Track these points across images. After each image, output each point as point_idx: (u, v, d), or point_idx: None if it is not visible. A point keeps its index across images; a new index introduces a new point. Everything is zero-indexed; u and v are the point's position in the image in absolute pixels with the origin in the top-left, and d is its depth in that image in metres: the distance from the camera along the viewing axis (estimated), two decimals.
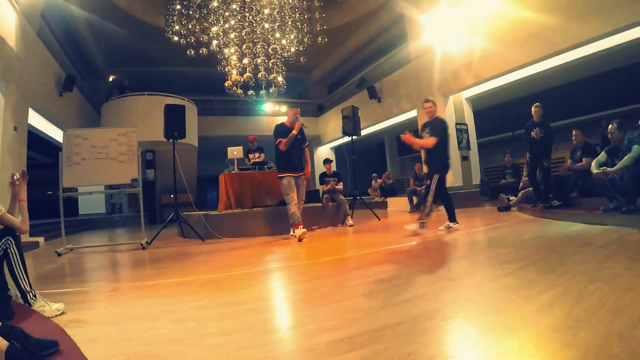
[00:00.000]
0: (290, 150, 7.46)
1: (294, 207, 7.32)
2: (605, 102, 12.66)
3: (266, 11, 11.83)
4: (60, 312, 2.88)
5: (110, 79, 18.25)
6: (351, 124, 10.57)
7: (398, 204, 14.46)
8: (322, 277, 3.85)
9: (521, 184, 10.36)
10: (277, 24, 12.40)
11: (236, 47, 12.51)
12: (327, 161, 10.56)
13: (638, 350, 1.74)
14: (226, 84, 13.25)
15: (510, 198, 10.17)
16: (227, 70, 13.06)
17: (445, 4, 13.06)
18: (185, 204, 9.00)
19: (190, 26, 12.06)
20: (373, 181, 17.45)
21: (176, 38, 12.16)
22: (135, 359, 2.01)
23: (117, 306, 3.16)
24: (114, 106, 15.55)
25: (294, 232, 7.32)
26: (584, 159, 7.76)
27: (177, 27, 12.04)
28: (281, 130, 7.56)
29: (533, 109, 8.38)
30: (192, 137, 15.63)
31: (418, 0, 14.79)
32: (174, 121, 8.25)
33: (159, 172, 16.89)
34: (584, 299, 2.54)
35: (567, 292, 2.71)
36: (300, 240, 6.97)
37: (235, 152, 9.64)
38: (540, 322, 2.23)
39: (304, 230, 7.17)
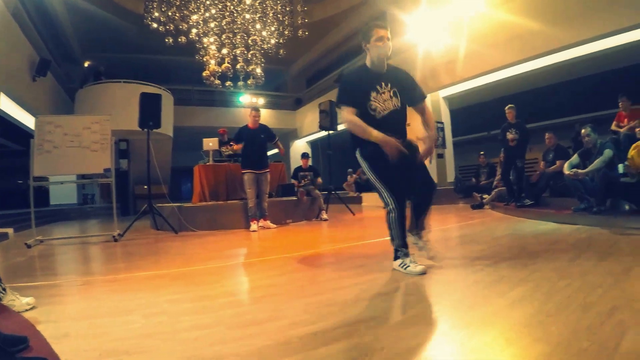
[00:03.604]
0: (252, 149, 7.91)
1: (252, 202, 7.88)
2: (579, 106, 12.91)
3: (248, 1, 11.74)
4: (31, 306, 2.80)
5: (86, 65, 17.91)
6: (328, 118, 10.56)
7: (373, 200, 14.48)
8: (296, 271, 3.85)
9: (495, 183, 10.51)
10: (258, 15, 12.31)
11: (216, 37, 12.42)
12: (304, 156, 10.55)
13: (606, 345, 1.78)
14: (204, 73, 13.17)
15: (484, 196, 10.30)
16: (205, 60, 12.97)
17: (427, 3, 13.11)
18: (159, 195, 8.92)
19: (170, 13, 11.90)
20: (348, 176, 17.47)
21: (155, 25, 11.99)
22: (108, 355, 1.97)
23: (88, 300, 3.10)
24: (88, 93, 15.23)
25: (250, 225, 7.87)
26: (557, 161, 7.92)
27: (156, 14, 11.87)
28: (240, 133, 8.13)
29: (506, 111, 8.52)
30: (167, 127, 15.43)
31: None
32: (150, 110, 8.09)
33: (132, 163, 16.57)
34: (554, 295, 2.60)
35: (538, 288, 2.77)
36: (254, 231, 7.62)
37: (210, 143, 9.57)
38: (511, 317, 2.27)
39: (256, 226, 7.82)
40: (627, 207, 6.34)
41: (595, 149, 6.38)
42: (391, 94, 3.59)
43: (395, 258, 3.56)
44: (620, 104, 7.98)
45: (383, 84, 3.58)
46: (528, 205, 8.06)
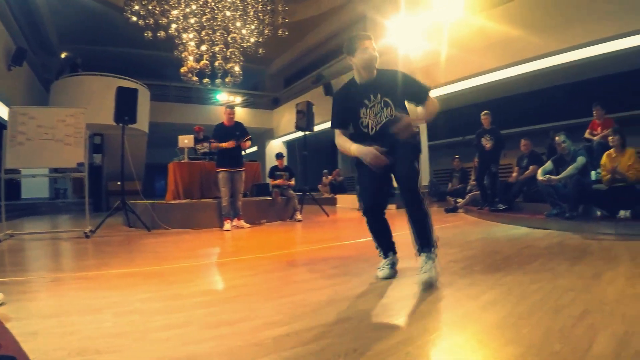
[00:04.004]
0: (227, 147, 7.84)
1: (225, 201, 7.85)
2: (554, 114, 13.08)
3: None
4: (0, 302, 2.75)
5: (63, 56, 17.57)
6: (305, 119, 10.56)
7: (347, 202, 14.54)
8: (269, 272, 3.86)
9: (469, 187, 10.64)
10: (238, 13, 12.25)
11: (195, 33, 12.32)
12: (279, 156, 10.52)
13: (578, 347, 1.82)
14: (182, 70, 13.05)
15: (458, 200, 10.41)
16: (183, 56, 12.84)
17: (407, 8, 13.18)
18: (132, 192, 8.78)
19: (150, 7, 11.73)
20: (324, 177, 17.52)
21: (134, 18, 11.80)
22: (77, 354, 1.93)
23: (58, 297, 3.04)
24: (64, 85, 14.84)
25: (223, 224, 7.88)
26: (530, 166, 8.05)
27: (136, 7, 11.68)
28: (218, 130, 8.05)
29: (482, 117, 8.63)
30: (143, 122, 15.19)
31: (379, 2, 14.92)
32: (126, 105, 7.99)
33: (106, 158, 16.26)
34: (527, 298, 2.65)
35: (510, 291, 2.82)
36: (226, 230, 7.64)
37: (186, 140, 9.51)
38: (484, 319, 2.31)
39: (229, 225, 7.81)
40: (598, 213, 6.48)
41: (569, 156, 6.51)
42: (382, 105, 3.36)
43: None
44: (594, 112, 8.18)
45: (372, 96, 3.36)
46: (501, 210, 8.18)
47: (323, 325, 2.23)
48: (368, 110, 3.37)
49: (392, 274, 3.42)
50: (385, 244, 3.60)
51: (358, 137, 3.38)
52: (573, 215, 6.30)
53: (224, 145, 7.77)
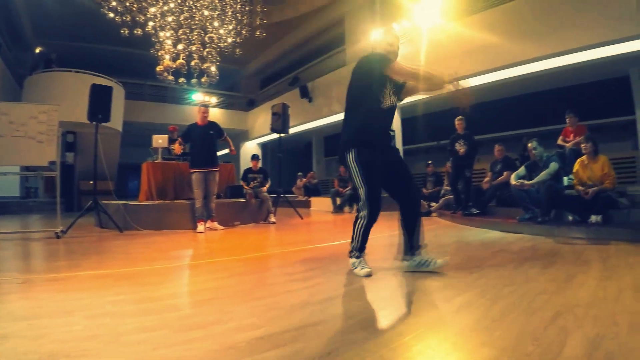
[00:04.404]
0: (201, 147, 7.85)
1: (199, 202, 7.78)
2: (527, 120, 13.36)
3: None
4: None
5: (37, 51, 17.26)
6: (280, 121, 10.57)
7: (321, 204, 14.58)
8: (243, 274, 3.83)
9: (442, 191, 10.76)
10: (217, 13, 12.21)
11: (172, 32, 12.24)
12: (254, 157, 10.47)
13: (550, 349, 1.86)
14: (158, 68, 12.95)
15: (431, 204, 10.51)
16: (160, 54, 12.75)
17: (386, 13, 13.27)
18: (105, 192, 8.65)
19: (127, 4, 11.60)
20: (298, 180, 17.50)
21: (112, 14, 11.64)
22: (48, 357, 1.90)
23: (28, 300, 2.98)
24: (38, 81, 14.60)
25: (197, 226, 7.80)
26: (504, 172, 8.17)
27: (113, 3, 11.54)
28: (190, 130, 8.00)
29: (456, 122, 8.74)
30: (116, 121, 15.00)
31: (358, 6, 15.00)
32: (100, 103, 7.84)
33: (79, 156, 15.97)
34: (499, 301, 2.69)
35: (483, 295, 2.86)
36: (200, 232, 7.57)
37: (160, 140, 9.38)
38: (457, 322, 2.34)
39: (202, 227, 7.72)
40: (570, 217, 6.62)
41: (542, 161, 6.66)
42: (391, 92, 3.80)
43: (350, 257, 3.73)
44: (567, 120, 8.32)
45: (388, 83, 3.79)
46: (475, 214, 8.29)
47: (297, 328, 2.22)
48: (385, 89, 3.79)
49: (371, 271, 3.55)
50: (365, 243, 3.74)
51: (372, 105, 3.72)
52: (545, 220, 6.43)
53: (176, 150, 7.87)
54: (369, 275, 3.48)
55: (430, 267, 3.59)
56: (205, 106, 8.16)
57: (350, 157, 3.63)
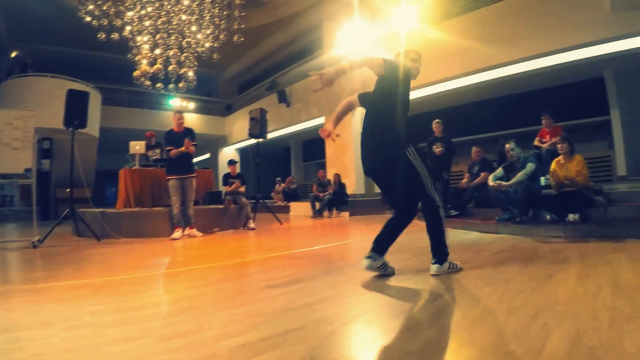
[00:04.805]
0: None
1: (176, 209, 7.71)
2: (504, 122, 13.59)
3: (186, 2, 11.57)
4: None
5: (13, 55, 17.01)
6: (258, 126, 10.55)
7: (300, 209, 14.57)
8: (222, 281, 3.81)
9: None
10: (194, 17, 12.15)
11: (150, 36, 12.14)
12: (231, 162, 10.41)
13: (532, 347, 1.87)
14: (135, 73, 12.83)
15: None
16: (137, 59, 12.64)
17: (363, 17, 13.34)
18: (82, 199, 8.54)
19: (104, 8, 11.48)
20: (277, 185, 17.49)
21: (89, 18, 11.49)
22: None
23: (6, 311, 2.90)
24: (13, 86, 14.40)
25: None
26: (482, 173, 8.25)
27: (91, 7, 11.40)
28: (170, 137, 7.91)
29: (434, 125, 8.82)
30: (93, 127, 14.85)
31: (336, 11, 15.06)
32: (76, 108, 7.71)
33: (55, 163, 15.67)
34: (480, 301, 2.72)
35: (464, 295, 2.90)
36: (173, 239, 7.49)
37: (137, 147, 9.29)
38: (439, 322, 2.36)
39: (180, 234, 7.69)
40: (547, 217, 6.69)
41: (519, 162, 6.72)
42: None
43: (446, 261, 3.71)
44: (543, 121, 8.45)
45: None
46: (453, 216, 8.34)
47: (278, 335, 2.21)
48: None
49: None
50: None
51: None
52: (523, 220, 6.50)
53: (183, 149, 7.66)
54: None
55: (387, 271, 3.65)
56: (179, 112, 8.10)
57: (412, 152, 3.57)
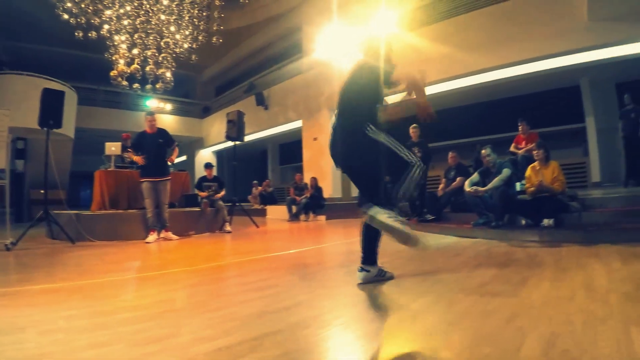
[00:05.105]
0: (149, 155, 7.64)
1: (150, 212, 7.64)
2: (481, 128, 13.78)
3: (165, 2, 11.48)
4: None
5: None
6: (235, 128, 10.50)
7: (277, 213, 14.55)
8: (198, 285, 3.78)
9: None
10: (173, 17, 12.07)
11: (128, 36, 12.02)
12: (208, 166, 10.35)
13: (507, 350, 1.90)
14: (112, 73, 12.68)
15: None
16: (114, 59, 12.51)
17: (342, 22, 13.40)
18: (56, 201, 8.39)
19: (82, 5, 11.31)
20: (253, 188, 17.43)
21: (66, 16, 11.32)
22: None
23: None
24: None
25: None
26: (458, 178, 8.33)
27: (69, 4, 11.25)
28: (139, 139, 7.90)
29: (411, 130, 8.87)
30: (69, 127, 14.53)
31: (315, 15, 15.11)
32: (51, 108, 7.55)
33: (29, 164, 15.38)
34: (456, 304, 2.74)
35: (440, 299, 2.90)
36: (148, 243, 7.37)
37: (113, 148, 9.17)
38: (414, 326, 2.37)
39: (155, 237, 7.59)
40: (523, 222, 6.76)
41: (495, 168, 6.80)
42: None
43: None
44: (519, 127, 8.58)
45: None
46: (430, 220, 8.41)
47: (254, 339, 2.19)
48: None
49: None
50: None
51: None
52: (499, 225, 6.57)
53: (136, 158, 7.61)
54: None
55: (386, 277, 3.54)
56: (151, 114, 7.99)
57: (371, 129, 3.31)
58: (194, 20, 12.49)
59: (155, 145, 7.63)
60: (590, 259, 4.26)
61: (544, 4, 10.01)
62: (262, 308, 2.83)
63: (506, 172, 6.61)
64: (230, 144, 11.03)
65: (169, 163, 8.12)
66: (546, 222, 6.25)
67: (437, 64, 11.46)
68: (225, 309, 2.87)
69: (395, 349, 2.05)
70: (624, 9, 8.77)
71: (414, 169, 3.24)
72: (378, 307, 2.85)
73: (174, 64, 13.22)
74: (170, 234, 7.85)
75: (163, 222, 7.82)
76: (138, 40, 12.03)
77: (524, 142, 8.42)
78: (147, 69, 12.59)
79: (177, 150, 8.01)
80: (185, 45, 12.93)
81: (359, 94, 3.47)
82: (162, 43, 12.42)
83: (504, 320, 2.34)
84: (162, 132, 7.92)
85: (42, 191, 8.35)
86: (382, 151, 3.28)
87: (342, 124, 3.47)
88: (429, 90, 11.90)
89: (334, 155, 3.56)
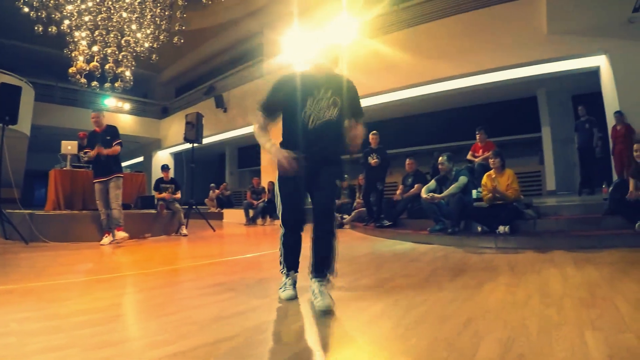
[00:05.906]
0: (96, 156, 7.42)
1: (102, 214, 7.48)
2: (440, 136, 14.07)
3: None
4: None
5: None
6: (194, 130, 10.42)
7: (234, 216, 14.53)
8: (153, 289, 3.73)
9: (355, 204, 11.04)
10: (135, 15, 11.93)
11: (88, 32, 11.82)
12: (164, 168, 10.22)
13: (464, 354, 1.94)
14: (70, 70, 12.45)
15: (344, 216, 10.73)
16: (74, 55, 12.28)
17: (303, 27, 13.47)
18: (10, 200, 8.20)
19: None
20: (211, 191, 17.26)
21: (26, 9, 11.08)
22: None
23: None
24: None
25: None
26: (415, 185, 8.45)
27: None
28: (90, 138, 7.77)
29: (370, 137, 8.98)
30: (24, 124, 14.14)
31: (277, 19, 15.16)
32: (7, 103, 7.36)
33: None
34: (413, 309, 2.77)
35: (397, 304, 2.93)
36: (102, 245, 7.20)
37: (69, 147, 8.91)
38: (371, 331, 2.39)
39: (109, 240, 7.36)
40: (479, 228, 6.86)
41: (452, 175, 6.96)
42: (330, 102, 3.17)
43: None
44: (477, 136, 8.73)
45: (322, 90, 3.17)
46: (387, 226, 8.47)
47: (210, 344, 2.18)
48: (315, 101, 3.13)
49: (295, 295, 3.21)
50: (292, 261, 3.29)
51: (293, 129, 3.12)
52: (455, 231, 6.70)
53: (92, 153, 7.39)
54: (289, 299, 3.14)
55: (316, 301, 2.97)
56: (94, 111, 7.80)
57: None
58: (156, 19, 12.37)
59: (103, 143, 7.37)
60: (545, 265, 4.38)
61: (505, 17, 10.29)
62: (218, 312, 2.82)
63: (463, 179, 6.78)
64: (188, 145, 10.94)
65: (101, 154, 7.48)
66: (502, 228, 6.35)
67: (398, 71, 11.65)
68: (181, 313, 2.85)
69: (352, 354, 2.07)
70: (582, 23, 9.12)
71: (280, 237, 3.30)
72: (335, 312, 2.81)
73: (134, 62, 13.05)
74: (121, 232, 7.44)
75: (115, 221, 7.48)
76: (98, 37, 11.85)
77: (481, 151, 8.57)
78: (107, 66, 12.41)
79: (117, 148, 7.55)
80: (146, 44, 12.79)
81: None
82: (122, 41, 12.26)
83: (461, 324, 2.39)
84: (109, 129, 7.66)
85: None
86: None
87: None
88: (389, 98, 12.13)
89: None
